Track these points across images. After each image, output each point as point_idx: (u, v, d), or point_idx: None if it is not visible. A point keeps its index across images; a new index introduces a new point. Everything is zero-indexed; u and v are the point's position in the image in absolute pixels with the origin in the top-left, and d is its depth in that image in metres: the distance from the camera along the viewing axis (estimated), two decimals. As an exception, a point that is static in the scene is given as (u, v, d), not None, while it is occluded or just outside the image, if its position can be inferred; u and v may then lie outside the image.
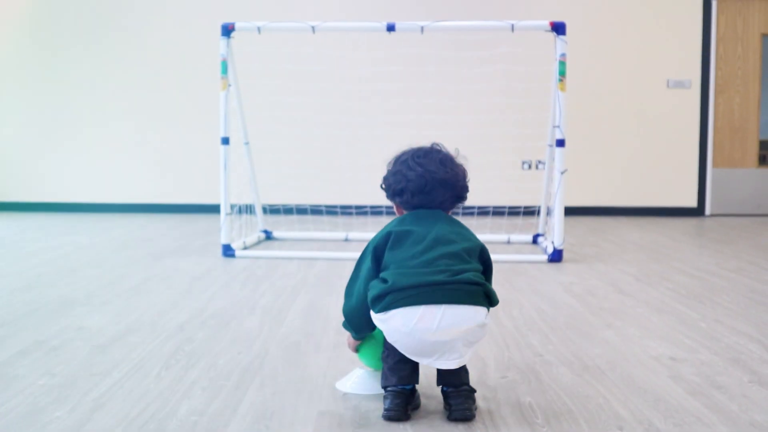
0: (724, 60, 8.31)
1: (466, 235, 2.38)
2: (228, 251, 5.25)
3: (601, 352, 2.95)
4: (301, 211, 7.80)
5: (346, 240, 6.13)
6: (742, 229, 7.10)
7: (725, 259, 5.33)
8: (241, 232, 6.14)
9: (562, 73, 5.03)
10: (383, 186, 2.52)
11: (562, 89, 5.03)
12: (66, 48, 8.18)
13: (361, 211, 7.84)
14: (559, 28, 5.04)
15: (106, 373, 2.65)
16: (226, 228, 5.27)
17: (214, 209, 7.83)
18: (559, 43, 5.04)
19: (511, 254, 5.38)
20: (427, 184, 2.39)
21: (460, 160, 2.51)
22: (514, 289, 4.21)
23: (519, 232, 6.56)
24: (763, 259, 5.34)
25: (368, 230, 6.61)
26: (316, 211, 7.83)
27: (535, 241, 6.06)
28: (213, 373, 2.66)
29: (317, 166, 7.89)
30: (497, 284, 4.27)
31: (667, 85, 8.18)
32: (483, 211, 7.68)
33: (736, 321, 3.48)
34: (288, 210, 7.78)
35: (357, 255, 5.15)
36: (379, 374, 2.50)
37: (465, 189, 2.48)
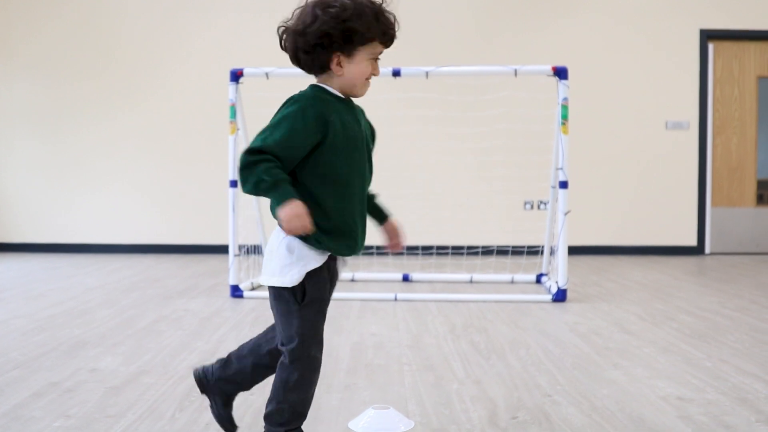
0: (721, 102, 8.43)
1: None
2: (236, 292, 5.30)
3: (609, 392, 2.99)
4: (305, 251, 7.86)
5: (352, 280, 6.18)
6: (742, 268, 7.15)
7: (727, 298, 5.38)
8: (249, 273, 6.19)
9: (565, 117, 5.12)
10: None
11: (565, 132, 5.12)
12: (75, 90, 8.29)
13: (367, 252, 7.89)
14: (561, 73, 5.15)
15: (121, 415, 2.70)
16: (234, 269, 5.33)
17: (221, 249, 7.90)
18: (562, 87, 5.14)
19: (515, 294, 5.43)
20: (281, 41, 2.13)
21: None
22: (519, 329, 4.26)
23: (523, 271, 6.62)
24: (764, 298, 5.40)
25: (373, 270, 6.66)
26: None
27: (538, 280, 6.11)
28: (227, 414, 2.70)
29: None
30: (503, 323, 4.33)
31: (666, 127, 8.29)
32: (487, 251, 7.76)
33: (741, 360, 3.53)
34: (292, 250, 7.83)
35: (364, 295, 5.25)
36: (392, 414, 2.55)
37: (304, 42, 2.04)
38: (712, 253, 8.40)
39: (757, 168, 8.49)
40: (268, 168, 1.95)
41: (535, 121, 7.68)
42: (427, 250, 7.85)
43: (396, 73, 5.30)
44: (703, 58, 8.32)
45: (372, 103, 7.83)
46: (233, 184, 5.38)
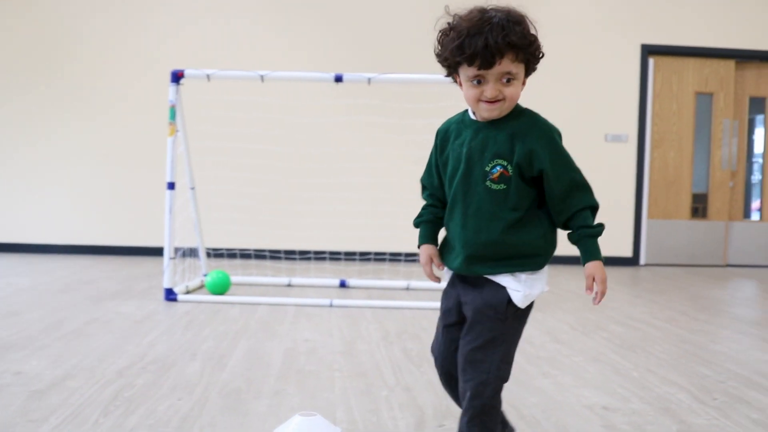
0: (660, 116, 8.59)
1: None
2: (170, 295, 5.23)
3: (536, 401, 3.02)
4: (244, 255, 7.81)
5: (289, 285, 6.14)
6: (675, 279, 7.29)
7: (658, 308, 5.48)
8: (184, 276, 6.13)
9: (503, 127, 5.16)
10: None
11: (503, 142, 5.16)
12: (10, 89, 8.12)
13: (304, 256, 7.87)
14: (500, 83, 5.18)
15: (44, 419, 2.64)
16: (169, 272, 5.27)
17: (159, 252, 7.80)
18: (501, 97, 5.18)
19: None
20: None
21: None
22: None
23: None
24: (693, 309, 5.51)
25: (311, 275, 6.65)
26: (259, 255, 7.84)
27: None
28: (152, 420, 2.67)
29: (262, 212, 7.91)
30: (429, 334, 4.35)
31: (606, 139, 8.42)
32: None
33: (667, 371, 3.59)
34: (232, 254, 7.78)
35: (300, 300, 5.22)
36: (319, 421, 2.53)
37: None
38: (647, 264, 8.55)
39: (692, 181, 8.67)
40: (422, 209, 2.26)
41: (476, 130, 7.75)
42: (365, 256, 7.86)
43: (338, 79, 5.29)
44: (643, 72, 8.47)
45: (315, 109, 7.89)
46: (171, 186, 5.32)
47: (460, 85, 2.06)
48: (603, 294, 1.99)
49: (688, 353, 4.02)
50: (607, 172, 8.42)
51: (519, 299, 2.04)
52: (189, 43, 8.07)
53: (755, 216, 8.96)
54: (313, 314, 4.89)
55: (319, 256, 7.85)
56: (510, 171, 2.02)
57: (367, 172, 7.92)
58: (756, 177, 8.99)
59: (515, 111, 2.09)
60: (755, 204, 8.98)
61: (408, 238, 8.03)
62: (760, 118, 8.93)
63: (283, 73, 5.45)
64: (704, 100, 8.72)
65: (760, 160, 8.92)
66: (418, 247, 2.21)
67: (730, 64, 8.69)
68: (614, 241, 8.48)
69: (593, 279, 1.98)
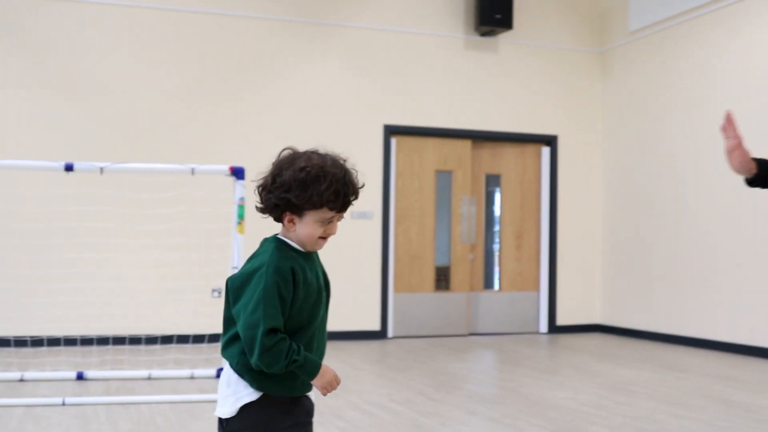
0: (402, 193, 8.99)
1: None
2: None
3: None
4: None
5: (21, 380, 5.76)
6: (418, 353, 7.58)
7: (397, 389, 5.66)
8: None
9: (241, 216, 5.21)
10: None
11: (241, 232, 5.20)
12: None
13: (38, 345, 7.42)
14: (238, 173, 5.24)
15: None
16: None
17: None
18: (239, 187, 5.23)
19: (191, 393, 5.33)
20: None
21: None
22: (188, 436, 4.19)
23: (205, 364, 6.55)
24: (431, 387, 5.74)
25: (46, 368, 6.28)
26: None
27: (218, 375, 6.08)
28: None
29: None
30: (171, 430, 4.22)
31: (352, 217, 8.67)
32: (167, 339, 7.65)
33: (393, 463, 3.72)
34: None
35: (29, 401, 4.93)
36: None
37: (264, 199, 2.18)
38: (395, 337, 8.83)
39: (435, 255, 9.11)
40: (291, 348, 2.04)
41: (216, 219, 7.76)
42: (103, 342, 7.57)
43: (68, 168, 5.11)
44: (386, 151, 8.85)
45: (44, 199, 7.55)
46: None
47: (290, 222, 2.14)
48: None
49: (417, 440, 4.18)
50: (354, 248, 8.66)
51: None
52: None
53: (496, 285, 9.55)
54: (43, 416, 4.62)
55: (53, 343, 7.44)
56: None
57: (103, 262, 7.66)
58: (495, 249, 9.59)
59: None
60: (496, 270, 9.57)
61: (148, 324, 7.83)
62: (497, 191, 9.58)
63: (8, 162, 5.19)
64: (444, 178, 9.24)
65: (497, 228, 9.55)
66: (315, 374, 2.09)
67: (467, 143, 9.28)
68: (362, 315, 8.71)
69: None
